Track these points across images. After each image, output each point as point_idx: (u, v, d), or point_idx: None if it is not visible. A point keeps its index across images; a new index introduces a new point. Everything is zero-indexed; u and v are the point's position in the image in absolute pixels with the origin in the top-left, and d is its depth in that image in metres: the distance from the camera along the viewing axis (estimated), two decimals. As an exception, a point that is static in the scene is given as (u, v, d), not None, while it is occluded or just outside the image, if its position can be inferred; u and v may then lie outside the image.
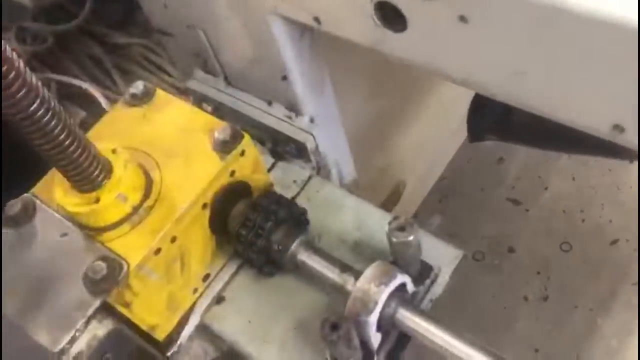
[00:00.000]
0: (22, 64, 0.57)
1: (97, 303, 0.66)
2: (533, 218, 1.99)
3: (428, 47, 0.57)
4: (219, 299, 0.80)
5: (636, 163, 2.02)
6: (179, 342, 0.79)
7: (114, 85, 2.08)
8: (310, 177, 0.88)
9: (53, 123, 0.61)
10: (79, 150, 0.65)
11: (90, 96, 2.13)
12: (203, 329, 0.81)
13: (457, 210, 2.02)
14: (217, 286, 0.81)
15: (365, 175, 1.09)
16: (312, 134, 0.84)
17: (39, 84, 0.59)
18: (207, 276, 0.80)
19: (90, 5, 1.22)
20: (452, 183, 2.02)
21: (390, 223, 0.65)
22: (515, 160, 2.10)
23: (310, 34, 0.75)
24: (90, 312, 0.65)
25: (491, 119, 0.97)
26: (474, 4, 0.49)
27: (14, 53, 0.56)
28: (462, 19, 0.51)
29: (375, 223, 0.81)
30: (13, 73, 0.56)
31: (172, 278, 0.75)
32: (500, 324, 1.84)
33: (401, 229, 0.64)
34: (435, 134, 1.59)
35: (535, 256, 1.92)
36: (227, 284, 0.81)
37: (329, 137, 0.88)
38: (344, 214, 0.83)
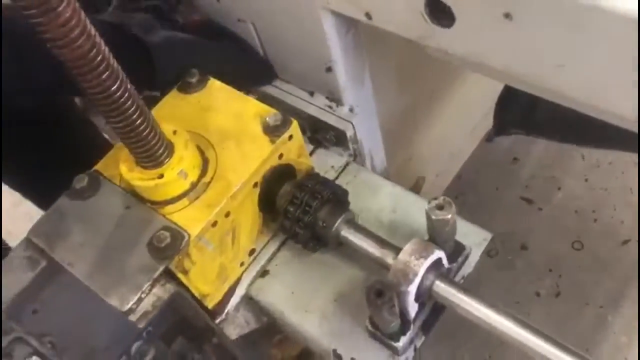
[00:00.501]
0: (106, 48, 0.63)
1: (161, 268, 0.72)
2: (546, 217, 2.05)
3: (472, 42, 0.63)
4: (263, 273, 0.87)
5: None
6: (226, 311, 0.86)
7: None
8: (347, 164, 0.94)
9: (129, 103, 0.68)
10: (148, 129, 0.71)
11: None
12: (247, 301, 0.88)
13: (472, 207, 2.08)
14: (261, 261, 0.87)
15: (390, 167, 1.15)
16: (351, 123, 0.90)
17: (119, 66, 0.66)
18: (252, 251, 0.87)
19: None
20: (468, 181, 2.07)
21: (430, 202, 0.71)
22: (529, 160, 2.15)
23: (355, 28, 0.82)
24: (155, 276, 0.72)
25: (516, 113, 1.03)
26: (518, 2, 0.55)
27: (99, 37, 0.63)
28: (507, 15, 0.57)
29: (409, 206, 0.87)
30: (100, 56, 0.62)
31: (224, 250, 0.81)
32: (512, 318, 1.89)
33: (440, 207, 0.71)
34: (455, 133, 1.65)
35: (548, 254, 1.98)
36: (270, 259, 0.88)
37: (365, 127, 0.94)
38: (379, 197, 0.89)
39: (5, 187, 1.34)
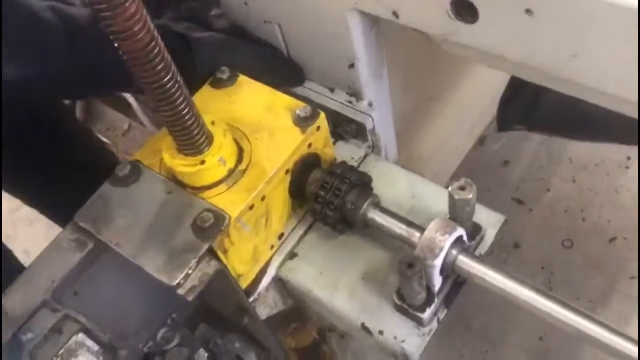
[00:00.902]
0: (162, 42, 0.70)
1: (206, 246, 0.78)
2: (536, 217, 2.13)
3: (494, 37, 0.70)
4: (291, 255, 0.93)
5: (632, 167, 2.17)
6: (258, 292, 0.92)
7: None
8: (366, 155, 1.01)
9: (178, 93, 0.74)
10: (193, 118, 0.78)
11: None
12: (276, 282, 0.94)
13: (465, 208, 2.15)
14: (290, 244, 0.93)
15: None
16: (371, 116, 0.97)
17: (171, 59, 0.72)
18: (281, 235, 0.93)
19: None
20: (462, 183, 2.15)
21: (452, 183, 0.78)
22: (519, 163, 2.24)
23: (377, 26, 0.89)
24: (200, 253, 0.77)
25: (519, 110, 1.11)
26: (539, -1, 0.63)
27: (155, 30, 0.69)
28: (528, 11, 0.65)
29: (427, 192, 0.94)
30: (157, 48, 0.69)
31: (258, 232, 0.87)
32: (507, 313, 1.96)
33: (462, 188, 0.77)
34: (452, 135, 1.72)
35: (539, 252, 2.06)
36: (298, 242, 0.94)
37: (381, 121, 1.01)
38: (398, 184, 0.96)
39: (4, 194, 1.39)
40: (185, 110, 0.76)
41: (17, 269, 1.24)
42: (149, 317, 1.06)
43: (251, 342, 1.09)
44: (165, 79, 0.71)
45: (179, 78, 0.73)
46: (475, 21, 0.70)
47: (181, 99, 0.75)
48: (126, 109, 2.33)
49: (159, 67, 0.70)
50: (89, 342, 0.86)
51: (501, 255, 2.08)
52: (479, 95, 1.66)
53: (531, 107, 1.09)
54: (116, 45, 0.67)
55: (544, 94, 1.03)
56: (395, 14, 0.77)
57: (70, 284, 0.86)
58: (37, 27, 0.81)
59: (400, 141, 1.17)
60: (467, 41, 0.73)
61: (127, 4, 0.63)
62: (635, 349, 0.69)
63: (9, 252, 1.30)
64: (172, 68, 0.72)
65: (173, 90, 0.73)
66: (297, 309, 1.08)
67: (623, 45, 0.61)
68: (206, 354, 1.13)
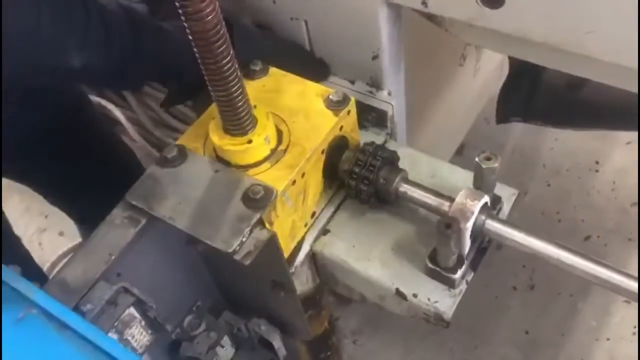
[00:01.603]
0: (224, 25, 0.77)
1: (257, 216, 0.84)
2: (516, 219, 2.24)
3: (519, 19, 0.80)
4: (324, 232, 1.00)
5: (601, 170, 2.32)
6: (294, 266, 0.98)
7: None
8: (386, 141, 1.09)
9: (234, 75, 0.81)
10: (243, 100, 0.85)
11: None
12: (310, 259, 1.00)
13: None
14: (322, 221, 1.00)
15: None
16: (391, 104, 1.06)
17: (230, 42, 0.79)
18: (314, 213, 1.00)
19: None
20: (444, 189, 2.25)
21: (479, 154, 0.87)
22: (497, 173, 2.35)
23: (401, 17, 0.98)
24: (253, 222, 0.84)
25: (516, 102, 1.21)
26: (561, -18, 0.73)
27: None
28: (550, -6, 0.75)
29: (445, 172, 1.03)
30: (222, 30, 0.76)
31: (297, 208, 0.94)
32: (494, 311, 2.06)
33: (488, 158, 0.86)
34: (440, 135, 1.83)
35: (520, 251, 2.16)
36: (329, 220, 1.01)
37: (398, 109, 1.09)
38: (419, 166, 1.04)
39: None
40: (239, 92, 0.83)
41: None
42: (177, 306, 1.11)
43: (276, 323, 1.14)
44: (225, 60, 0.79)
45: (235, 61, 0.80)
46: (501, 5, 0.80)
47: (236, 81, 0.82)
48: (114, 125, 2.36)
49: (222, 48, 0.77)
50: (140, 315, 0.91)
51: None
52: (465, 101, 1.78)
53: (527, 99, 1.19)
54: (186, 25, 0.73)
55: (539, 87, 1.14)
56: (424, 3, 0.86)
57: (125, 257, 0.90)
58: (104, 18, 0.87)
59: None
60: (493, 25, 0.82)
61: (201, -13, 0.70)
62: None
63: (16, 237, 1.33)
64: (231, 51, 0.79)
65: (230, 71, 0.80)
66: (317, 292, 1.14)
67: (634, 19, 0.71)
68: (230, 340, 1.19)
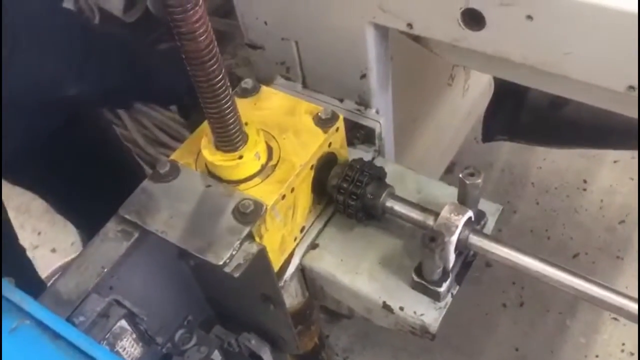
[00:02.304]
0: (216, 44, 0.80)
1: (247, 230, 0.86)
2: (505, 237, 2.27)
3: (499, 41, 0.83)
4: (313, 246, 1.02)
5: (589, 190, 2.35)
6: (283, 279, 1.00)
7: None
8: (374, 158, 1.12)
9: (226, 92, 0.84)
10: (235, 117, 0.87)
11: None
12: (299, 273, 1.02)
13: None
14: (311, 236, 1.03)
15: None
16: (379, 122, 1.08)
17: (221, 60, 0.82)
18: (303, 228, 1.02)
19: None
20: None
21: (463, 171, 0.89)
22: (486, 188, 2.37)
23: (387, 38, 1.01)
24: (243, 235, 0.86)
25: (502, 121, 1.25)
26: (539, 6, 0.76)
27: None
28: (529, 17, 0.78)
29: (431, 188, 1.05)
30: (214, 50, 0.79)
31: (286, 222, 0.96)
32: (484, 328, 2.08)
33: (472, 174, 0.89)
34: (430, 154, 1.86)
35: (510, 269, 2.18)
36: (318, 234, 1.03)
37: (386, 127, 1.12)
38: (406, 182, 1.07)
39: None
40: (230, 109, 0.86)
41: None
42: (169, 320, 1.12)
43: (266, 337, 1.16)
44: (217, 79, 0.81)
45: (227, 79, 0.83)
46: (482, 28, 0.83)
47: (227, 98, 0.84)
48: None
49: (214, 67, 0.80)
50: (131, 328, 0.93)
51: (474, 274, 2.20)
52: (454, 120, 1.82)
53: (512, 118, 1.22)
54: (182, 44, 0.76)
55: (524, 106, 1.17)
56: (409, 25, 0.90)
57: (117, 270, 0.92)
58: (102, 50, 0.93)
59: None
60: (475, 46, 0.86)
61: (195, 9, 0.73)
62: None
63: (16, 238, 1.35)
64: (223, 70, 0.82)
65: (222, 89, 0.83)
66: (307, 306, 1.16)
67: (609, 41, 0.74)
68: (220, 355, 1.20)
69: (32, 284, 0.86)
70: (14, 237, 1.36)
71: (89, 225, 1.50)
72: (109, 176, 1.35)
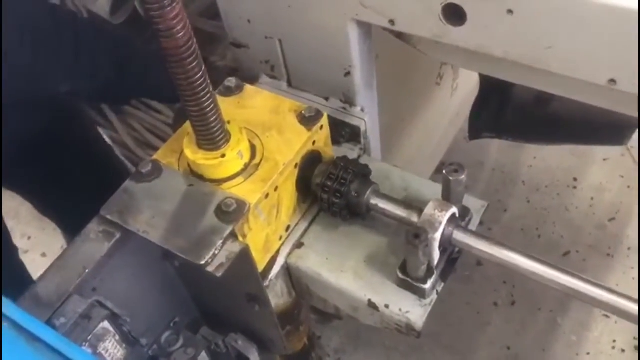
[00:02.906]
0: (195, 42, 0.79)
1: (229, 229, 0.86)
2: (496, 235, 2.27)
3: (480, 35, 0.83)
4: (299, 245, 1.01)
5: (579, 187, 2.35)
6: (269, 279, 0.99)
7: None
8: (359, 156, 1.11)
9: (206, 90, 0.83)
10: (216, 115, 0.87)
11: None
12: (285, 272, 1.02)
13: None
14: (296, 235, 1.02)
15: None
16: (364, 120, 1.08)
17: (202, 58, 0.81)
18: (288, 227, 1.01)
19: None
20: (426, 206, 2.28)
21: (446, 167, 0.89)
22: (477, 187, 2.39)
23: (371, 36, 1.00)
24: (225, 235, 0.85)
25: (488, 119, 1.24)
26: (520, 0, 0.76)
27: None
28: (510, 11, 0.77)
29: (417, 185, 1.05)
30: (193, 47, 0.78)
31: (270, 221, 0.95)
32: (476, 326, 2.08)
33: (456, 171, 0.89)
34: (420, 153, 1.86)
35: (501, 268, 2.18)
36: (303, 233, 1.02)
37: (372, 126, 1.12)
38: (391, 179, 1.06)
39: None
40: (211, 107, 0.85)
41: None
42: (154, 322, 1.11)
43: (253, 338, 1.15)
44: (197, 77, 0.81)
45: (207, 77, 0.82)
46: (464, 23, 0.82)
47: (208, 96, 0.84)
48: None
49: (193, 64, 0.79)
50: (114, 330, 0.92)
51: (465, 273, 2.20)
52: (441, 122, 1.82)
53: (498, 116, 1.22)
54: (160, 41, 0.76)
55: (509, 104, 1.17)
56: (392, 22, 0.89)
57: (100, 271, 0.91)
58: (93, 50, 0.94)
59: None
60: (457, 42, 0.85)
61: (173, 5, 0.73)
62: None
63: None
64: (203, 67, 0.81)
65: (202, 87, 0.82)
66: (295, 306, 1.15)
67: (590, 34, 0.74)
68: (207, 356, 1.19)
69: (26, 284, 0.86)
70: (8, 237, 1.36)
71: (73, 226, 1.49)
72: (92, 176, 1.34)
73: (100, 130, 2.32)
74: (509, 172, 2.42)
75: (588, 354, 1.97)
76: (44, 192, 1.39)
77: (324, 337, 2.08)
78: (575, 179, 2.36)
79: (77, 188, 1.33)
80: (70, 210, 1.34)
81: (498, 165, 2.44)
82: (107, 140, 2.30)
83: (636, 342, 1.94)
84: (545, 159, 2.41)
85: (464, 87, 1.84)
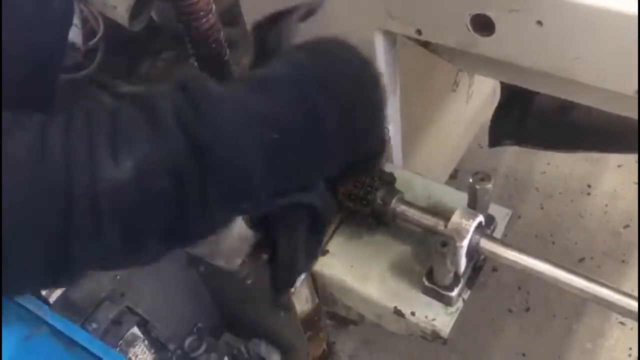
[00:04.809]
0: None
1: (258, 236, 0.87)
2: (510, 242, 2.27)
3: (509, 46, 0.84)
4: (323, 252, 1.02)
5: (592, 194, 2.35)
6: (295, 285, 1.00)
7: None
8: (383, 163, 1.12)
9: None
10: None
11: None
12: (310, 278, 1.02)
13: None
14: (321, 242, 1.02)
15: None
16: (387, 128, 1.09)
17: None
18: (313, 234, 1.02)
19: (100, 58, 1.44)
20: (439, 213, 2.28)
21: (473, 176, 0.90)
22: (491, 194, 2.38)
23: (395, 44, 1.01)
24: (252, 242, 0.86)
25: (508, 126, 1.25)
26: (549, 11, 0.77)
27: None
28: (539, 22, 0.78)
29: (441, 193, 1.06)
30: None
31: (297, 229, 0.96)
32: (490, 333, 2.08)
33: (482, 179, 0.89)
34: (434, 160, 1.86)
35: (516, 274, 2.18)
36: (328, 240, 1.03)
37: (394, 133, 1.13)
38: (415, 187, 1.07)
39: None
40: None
41: None
42: (178, 328, 1.12)
43: (275, 344, 1.16)
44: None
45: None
46: (492, 34, 0.83)
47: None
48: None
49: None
50: (143, 335, 0.93)
51: (480, 279, 2.20)
52: (455, 127, 1.82)
53: (519, 122, 1.23)
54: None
55: (531, 110, 1.18)
56: (419, 31, 0.90)
57: (130, 278, 0.93)
58: None
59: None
60: (485, 52, 0.86)
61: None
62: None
63: None
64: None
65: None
66: (315, 312, 1.16)
67: (619, 45, 0.75)
68: (229, 362, 1.20)
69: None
70: None
71: None
72: None
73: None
74: (522, 178, 2.42)
75: (603, 361, 1.97)
76: None
77: (339, 342, 2.08)
78: (589, 186, 2.36)
79: None
80: None
81: (511, 172, 2.45)
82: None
83: (652, 350, 1.94)
84: (559, 165, 2.41)
85: (479, 94, 1.84)
